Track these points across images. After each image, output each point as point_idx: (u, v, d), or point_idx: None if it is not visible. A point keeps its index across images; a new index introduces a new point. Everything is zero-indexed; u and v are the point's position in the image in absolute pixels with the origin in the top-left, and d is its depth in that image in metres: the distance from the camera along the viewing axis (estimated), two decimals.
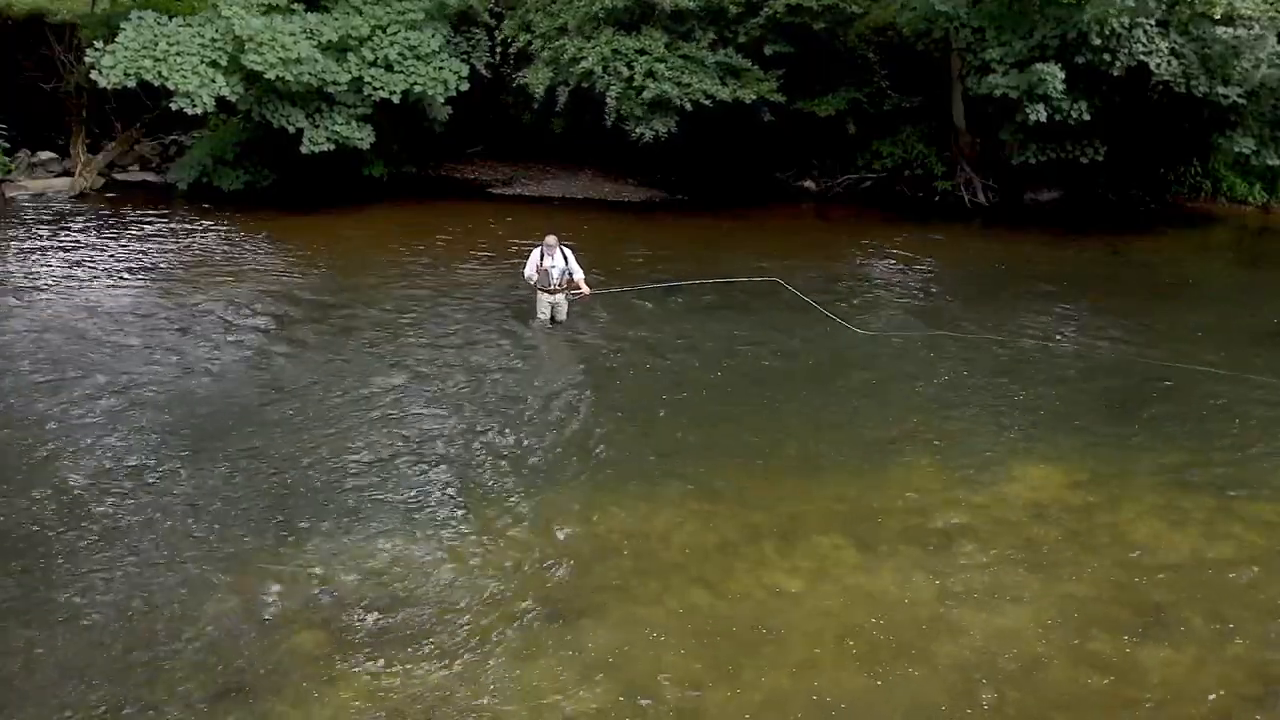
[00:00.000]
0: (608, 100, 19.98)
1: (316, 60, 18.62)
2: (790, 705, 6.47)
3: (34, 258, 16.38)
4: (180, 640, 6.97)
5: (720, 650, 6.96)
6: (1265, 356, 12.87)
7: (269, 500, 8.85)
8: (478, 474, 9.47)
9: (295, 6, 19.52)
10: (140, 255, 16.75)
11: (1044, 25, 18.66)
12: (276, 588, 7.60)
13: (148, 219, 19.12)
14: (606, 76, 20.01)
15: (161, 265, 16.26)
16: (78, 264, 16.08)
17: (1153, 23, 18.54)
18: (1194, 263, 18.84)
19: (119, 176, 22.52)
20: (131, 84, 18.26)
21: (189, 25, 18.63)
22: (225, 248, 17.34)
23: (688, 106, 19.88)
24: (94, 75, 18.17)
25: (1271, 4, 18.67)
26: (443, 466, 9.58)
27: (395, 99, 19.59)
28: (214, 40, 18.32)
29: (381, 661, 6.79)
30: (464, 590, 7.62)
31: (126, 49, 18.05)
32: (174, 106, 18.33)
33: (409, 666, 6.76)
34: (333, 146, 19.44)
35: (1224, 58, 18.62)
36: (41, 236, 17.81)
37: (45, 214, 19.50)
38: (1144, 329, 14.08)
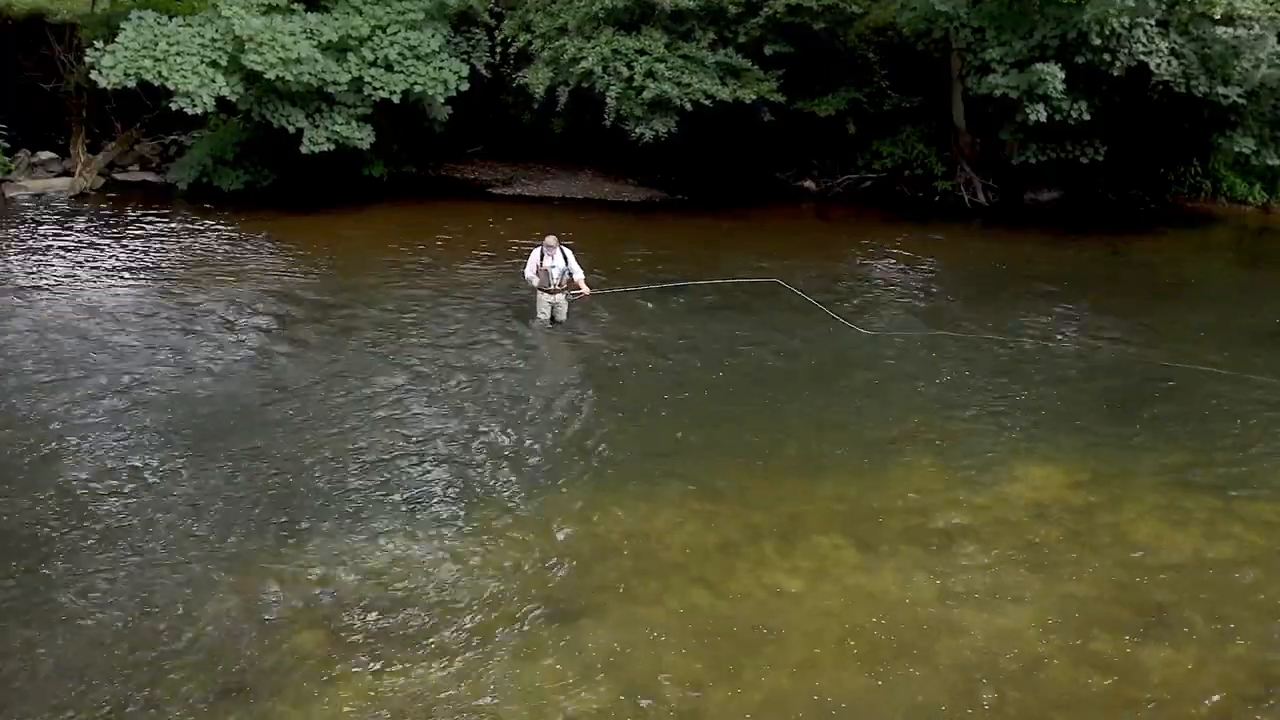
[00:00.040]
0: (608, 100, 19.98)
1: (316, 60, 18.62)
2: (791, 705, 6.47)
3: (34, 258, 16.38)
4: (181, 640, 6.97)
5: (721, 650, 6.96)
6: (1265, 356, 12.87)
7: (270, 500, 8.85)
8: (478, 474, 9.47)
9: (295, 6, 19.51)
10: (140, 255, 16.75)
11: (1044, 25, 18.66)
12: (277, 588, 7.60)
13: (148, 219, 19.12)
14: (606, 76, 20.01)
15: (162, 265, 16.25)
16: (78, 264, 16.08)
17: (1153, 23, 18.54)
18: (1194, 263, 18.84)
19: (119, 176, 22.51)
20: (131, 84, 18.26)
21: (189, 25, 18.62)
22: (225, 248, 17.34)
23: (688, 106, 19.87)
24: (94, 75, 18.16)
25: (1271, 4, 18.67)
26: (443, 466, 9.58)
27: (395, 99, 19.58)
28: (214, 40, 18.32)
29: (382, 661, 6.80)
30: (464, 590, 7.62)
31: (126, 49, 18.04)
32: (174, 106, 18.32)
33: (409, 666, 6.76)
34: (333, 146, 19.43)
35: (1224, 58, 18.62)
36: (42, 236, 17.81)
37: (45, 214, 19.49)
38: (1144, 329, 14.08)
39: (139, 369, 11.70)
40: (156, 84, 18.20)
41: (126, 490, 8.95)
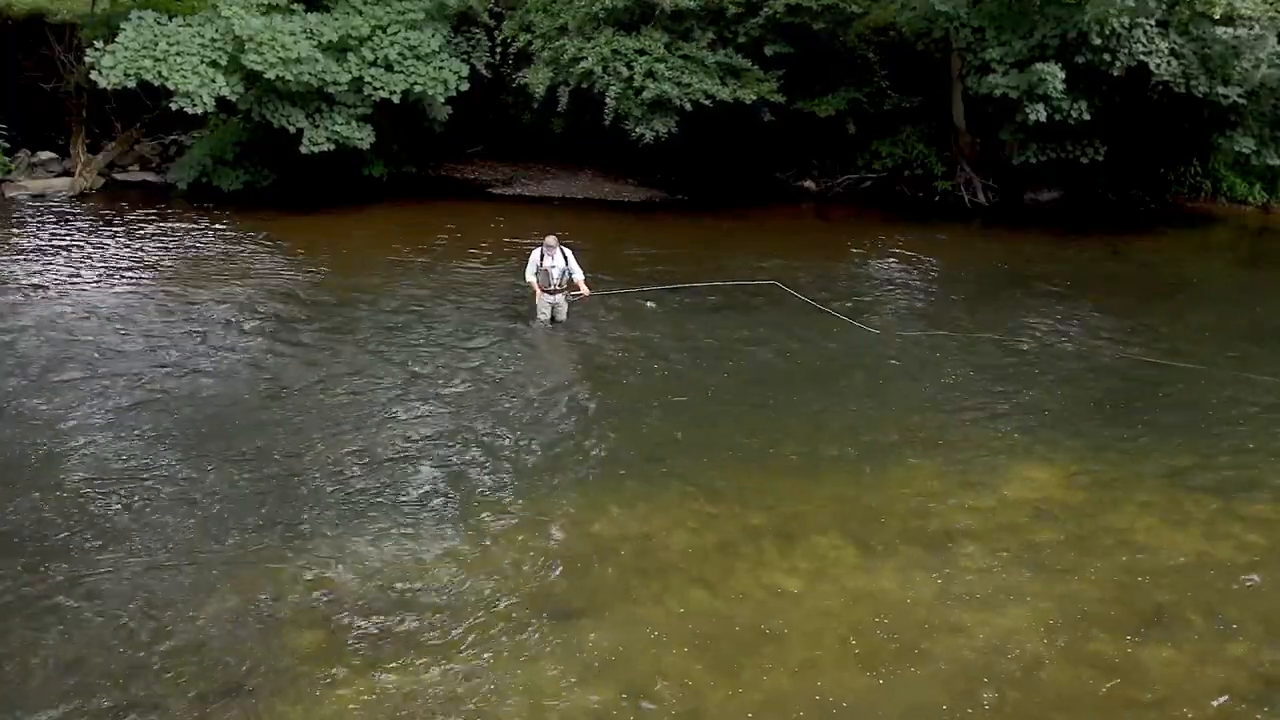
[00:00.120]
0: (608, 100, 19.98)
1: (316, 60, 18.62)
2: (790, 705, 6.46)
3: (34, 258, 16.37)
4: (181, 640, 6.97)
5: (720, 650, 6.96)
6: (1266, 356, 12.87)
7: (270, 500, 8.85)
8: (478, 474, 9.47)
9: (295, 6, 19.52)
10: (140, 255, 16.75)
11: (1044, 25, 18.66)
12: (277, 588, 7.59)
13: (148, 219, 19.12)
14: (606, 76, 20.01)
15: (162, 265, 16.25)
16: (78, 264, 16.08)
17: (1153, 23, 18.54)
18: (1194, 263, 18.84)
19: (119, 176, 22.52)
20: (131, 84, 18.27)
21: (189, 25, 18.63)
22: (225, 248, 17.34)
23: (688, 106, 19.87)
24: (94, 75, 18.17)
25: (1271, 4, 18.67)
26: (443, 467, 9.58)
27: (395, 99, 19.59)
28: (214, 40, 18.33)
29: (382, 661, 6.79)
30: (464, 590, 7.62)
31: (126, 49, 18.05)
32: (174, 106, 18.33)
33: (409, 667, 6.75)
34: (333, 146, 19.44)
35: (1224, 58, 18.62)
36: (42, 236, 17.81)
37: (45, 214, 19.49)
38: (1144, 329, 14.07)
39: (139, 369, 11.70)
40: (156, 84, 18.21)
41: (126, 490, 8.94)
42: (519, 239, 17.01)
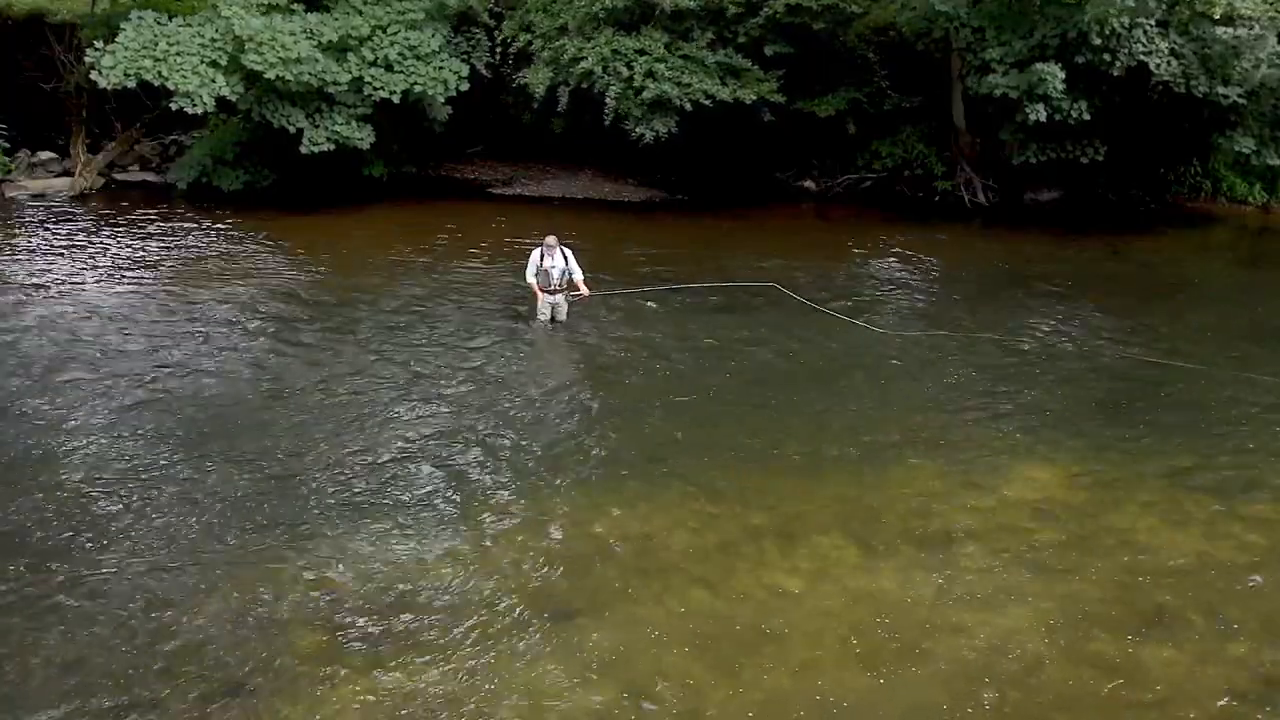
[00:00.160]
0: (608, 100, 19.97)
1: (316, 60, 18.62)
2: (791, 705, 6.46)
3: (34, 258, 16.37)
4: (182, 640, 6.97)
5: (721, 650, 6.95)
6: (1266, 356, 12.87)
7: (271, 500, 8.84)
8: (478, 474, 9.47)
9: (295, 6, 19.51)
10: (140, 255, 16.74)
11: (1044, 25, 18.66)
12: (278, 588, 7.59)
13: (148, 219, 19.11)
14: (606, 76, 20.00)
15: (162, 265, 16.25)
16: (78, 264, 16.07)
17: (1153, 23, 18.54)
18: (1194, 263, 18.84)
19: (119, 176, 22.50)
20: (131, 84, 18.26)
21: (189, 25, 18.62)
22: (226, 248, 17.34)
23: (688, 106, 19.87)
24: (94, 75, 18.16)
25: (1271, 4, 18.67)
26: (443, 467, 9.57)
27: (395, 99, 19.58)
28: (214, 40, 18.32)
29: (382, 661, 6.79)
30: (464, 590, 7.62)
31: (126, 49, 18.04)
32: (174, 106, 18.33)
33: (409, 666, 6.75)
34: (333, 146, 19.43)
35: (1224, 58, 18.62)
36: (42, 237, 17.80)
37: (45, 214, 19.48)
38: (1145, 329, 14.08)
39: (141, 369, 11.70)
40: (156, 84, 18.20)
41: (128, 490, 8.94)
42: (519, 239, 17.00)
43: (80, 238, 17.77)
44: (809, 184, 23.17)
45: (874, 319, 14.18)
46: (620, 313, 13.99)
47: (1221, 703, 6.58)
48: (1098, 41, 18.21)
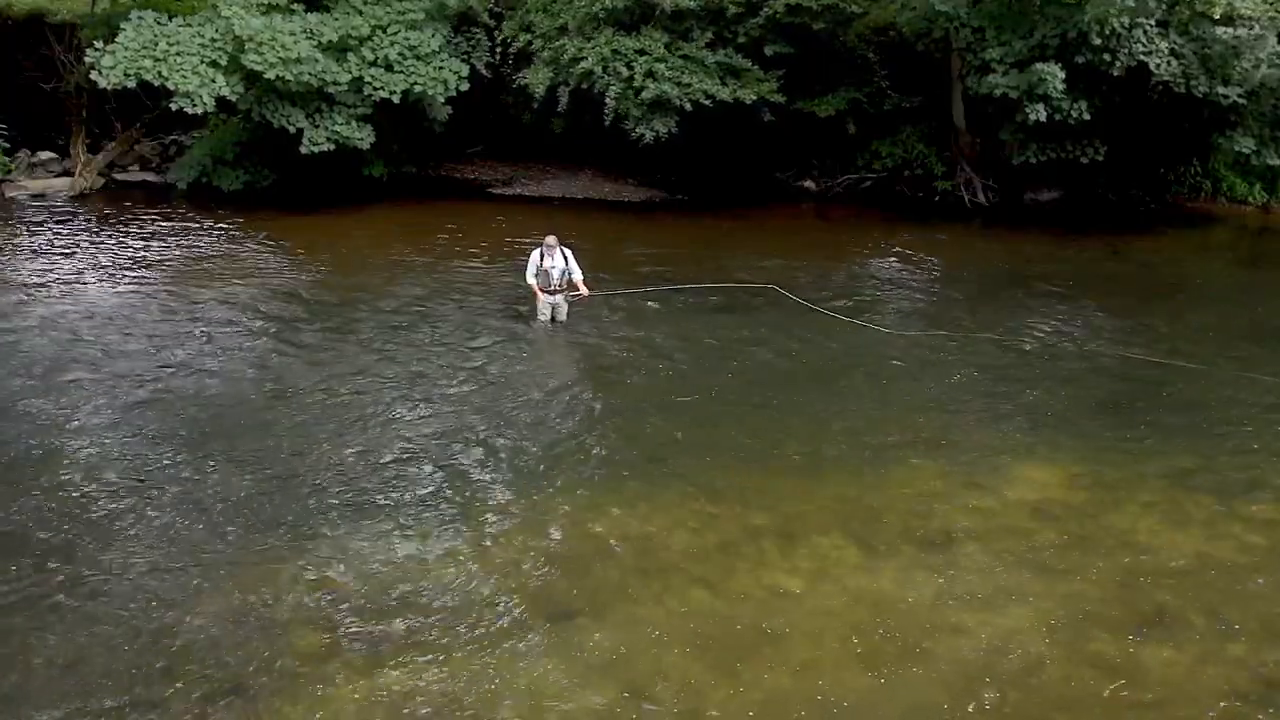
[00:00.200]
0: (608, 100, 19.97)
1: (316, 60, 18.62)
2: (791, 705, 6.46)
3: (34, 258, 16.37)
4: (182, 640, 6.97)
5: (721, 650, 6.95)
6: (1266, 356, 12.87)
7: (272, 500, 8.84)
8: (478, 475, 9.47)
9: (295, 6, 19.51)
10: (141, 255, 16.74)
11: (1044, 25, 18.66)
12: (279, 588, 7.59)
13: (148, 219, 19.12)
14: (606, 76, 20.00)
15: (162, 265, 16.25)
16: (78, 264, 16.07)
17: (1153, 23, 18.54)
18: (1194, 263, 18.85)
19: (119, 176, 22.51)
20: (131, 84, 18.26)
21: (189, 25, 18.62)
22: (226, 248, 17.34)
23: (687, 106, 19.87)
24: (94, 75, 18.16)
25: (1271, 4, 18.67)
26: (444, 467, 9.57)
27: (395, 99, 19.58)
28: (214, 40, 18.32)
29: (382, 662, 6.79)
30: (464, 590, 7.62)
31: (126, 49, 18.04)
32: (174, 106, 18.33)
33: (409, 667, 6.75)
34: (333, 146, 19.43)
35: (1224, 58, 18.62)
36: (42, 237, 17.80)
37: (45, 214, 19.49)
38: (1145, 329, 14.08)
39: (139, 369, 11.70)
40: (156, 84, 18.20)
41: (127, 490, 8.94)
42: (519, 239, 17.01)
43: (81, 238, 17.77)
44: (809, 184, 23.17)
45: (874, 319, 14.18)
46: (620, 313, 13.99)
47: (1221, 703, 6.58)
48: (1098, 41, 18.21)
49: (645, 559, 8.10)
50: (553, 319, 13.44)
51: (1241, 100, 19.20)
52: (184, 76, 17.97)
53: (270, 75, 18.04)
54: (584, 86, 20.35)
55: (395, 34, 19.81)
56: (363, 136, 19.64)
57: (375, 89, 19.43)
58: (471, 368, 12.03)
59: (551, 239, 13.29)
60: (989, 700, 6.54)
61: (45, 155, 22.66)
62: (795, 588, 7.73)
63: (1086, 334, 13.86)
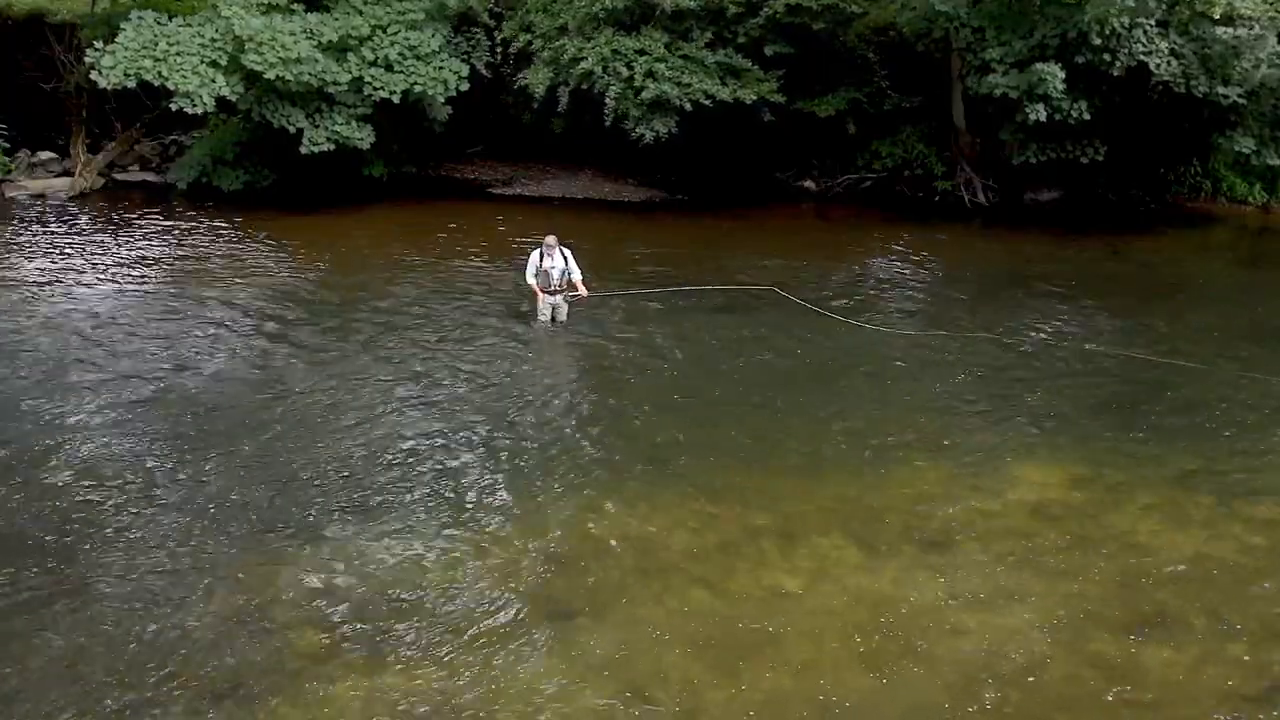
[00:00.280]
0: (607, 100, 19.97)
1: (316, 60, 18.61)
2: (791, 705, 6.46)
3: (34, 258, 16.37)
4: (182, 640, 6.96)
5: (721, 650, 6.95)
6: (1267, 357, 12.86)
7: (271, 501, 8.84)
8: (478, 475, 9.46)
9: (295, 6, 19.50)
10: (141, 255, 16.74)
11: (1044, 25, 18.66)
12: (278, 588, 7.59)
13: (148, 219, 19.12)
14: (606, 77, 20.00)
15: (162, 265, 16.25)
16: (79, 264, 16.07)
17: (1153, 23, 18.53)
18: (1194, 263, 18.84)
19: (119, 176, 22.49)
20: (131, 84, 18.26)
21: (189, 25, 18.62)
22: (226, 248, 17.33)
23: (687, 106, 19.86)
24: (94, 75, 18.16)
25: (1271, 4, 18.67)
26: (444, 467, 9.57)
27: (395, 99, 19.57)
28: (214, 40, 18.31)
29: (382, 662, 6.79)
30: (464, 591, 7.62)
31: (126, 49, 18.04)
32: (174, 106, 18.33)
33: (409, 667, 6.75)
34: (333, 146, 19.43)
35: (1224, 58, 18.62)
36: (42, 237, 17.81)
37: (45, 214, 19.49)
38: (1145, 329, 14.07)
39: (140, 369, 11.69)
40: (156, 84, 18.20)
41: (127, 490, 8.94)
42: (519, 239, 17.00)
43: (81, 238, 17.77)
44: (809, 184, 23.15)
45: (874, 319, 14.18)
46: (620, 313, 13.99)
47: (1221, 704, 6.58)
48: (1098, 41, 18.21)
49: (645, 559, 8.10)
50: (553, 319, 13.44)
51: (1241, 100, 19.20)
52: (184, 76, 17.97)
53: (270, 75, 18.04)
54: (584, 86, 20.35)
55: (395, 34, 19.81)
56: (363, 136, 19.64)
57: (375, 89, 19.42)
58: (472, 368, 12.02)
59: (551, 239, 13.28)
60: (990, 700, 6.54)
61: (45, 155, 22.65)
62: (796, 588, 7.73)
63: (1087, 334, 13.85)
